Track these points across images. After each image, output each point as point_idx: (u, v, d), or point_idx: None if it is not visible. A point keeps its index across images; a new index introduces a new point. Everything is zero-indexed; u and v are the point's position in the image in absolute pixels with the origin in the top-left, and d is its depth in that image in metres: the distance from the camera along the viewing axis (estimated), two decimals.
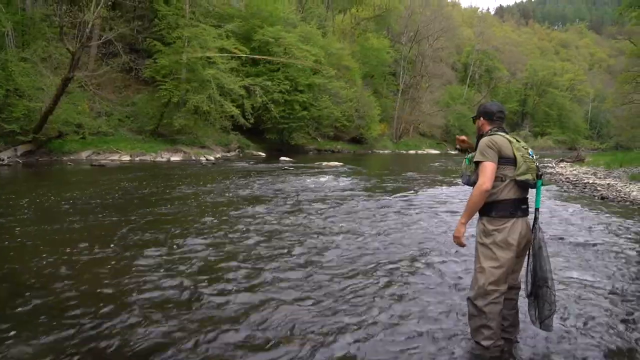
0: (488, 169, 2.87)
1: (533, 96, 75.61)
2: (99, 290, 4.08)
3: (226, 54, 24.94)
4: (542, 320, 2.97)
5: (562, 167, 21.32)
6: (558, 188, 13.42)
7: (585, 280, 4.67)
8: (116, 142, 21.25)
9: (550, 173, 18.33)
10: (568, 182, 15.00)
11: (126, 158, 20.10)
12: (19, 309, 3.64)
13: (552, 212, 8.89)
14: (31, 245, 5.58)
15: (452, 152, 45.90)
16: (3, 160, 15.46)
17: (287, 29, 31.89)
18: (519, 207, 2.94)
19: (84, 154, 19.34)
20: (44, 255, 5.09)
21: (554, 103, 73.32)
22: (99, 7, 18.50)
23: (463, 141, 3.46)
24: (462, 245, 3.01)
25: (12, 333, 3.22)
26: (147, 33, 25.36)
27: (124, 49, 23.65)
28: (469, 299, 3.00)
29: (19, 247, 5.48)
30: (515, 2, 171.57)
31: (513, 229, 2.88)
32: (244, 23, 29.48)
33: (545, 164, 21.53)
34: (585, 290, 4.39)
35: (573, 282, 4.57)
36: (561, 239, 6.49)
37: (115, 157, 19.94)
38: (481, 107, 3.25)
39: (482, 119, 3.17)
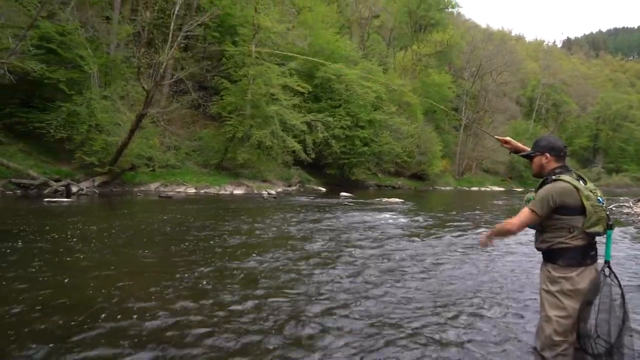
0: (526, 217, 2.77)
1: (606, 131, 71.80)
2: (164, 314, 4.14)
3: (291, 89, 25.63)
4: None
5: None
6: (637, 230, 12.40)
7: None
8: (183, 174, 22.17)
9: (627, 213, 17.05)
10: None
11: (192, 190, 20.86)
12: (93, 332, 3.73)
13: (629, 257, 8.16)
14: (104, 270, 5.79)
15: (518, 189, 44.11)
16: (82, 189, 16.49)
17: (349, 66, 32.48)
18: (587, 254, 2.70)
19: (153, 186, 20.28)
20: (116, 281, 5.26)
21: (630, 138, 69.05)
22: (172, 49, 19.75)
23: (506, 142, 3.32)
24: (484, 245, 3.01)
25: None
26: (215, 72, 26.67)
27: (194, 86, 25.00)
28: (535, 349, 2.77)
29: (92, 271, 5.70)
30: (584, 34, 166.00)
31: (582, 277, 2.65)
32: (307, 61, 30.40)
33: (621, 204, 20.07)
34: None
35: None
36: None
37: (182, 189, 20.75)
38: (542, 141, 2.96)
39: (547, 155, 2.89)
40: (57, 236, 8.04)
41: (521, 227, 2.78)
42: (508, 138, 3.36)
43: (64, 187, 15.96)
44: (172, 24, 20.02)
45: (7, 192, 14.84)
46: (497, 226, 2.94)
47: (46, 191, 15.54)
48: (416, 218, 13.86)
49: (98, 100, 18.60)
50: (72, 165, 18.29)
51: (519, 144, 3.29)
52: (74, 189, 16.14)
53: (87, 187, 16.96)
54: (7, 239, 7.45)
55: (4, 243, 7.16)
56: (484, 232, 3.01)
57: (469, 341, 3.88)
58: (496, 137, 3.49)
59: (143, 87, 18.60)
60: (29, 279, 5.24)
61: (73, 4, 17.75)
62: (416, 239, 9.56)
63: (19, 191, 15.39)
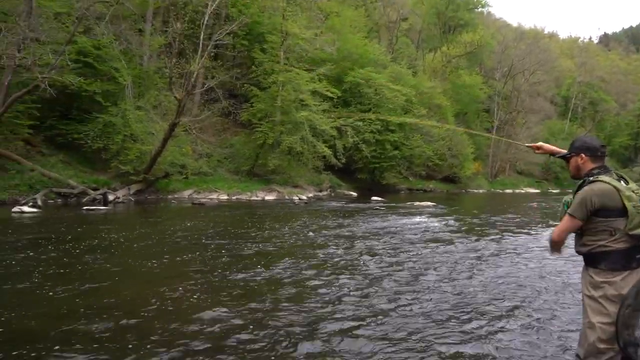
0: (567, 224, 2.68)
1: None
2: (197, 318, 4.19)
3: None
4: None
5: None
6: None
7: None
8: (215, 181, 22.49)
9: None
10: None
11: (224, 197, 21.14)
12: (129, 335, 3.82)
13: None
14: (140, 275, 5.92)
15: (554, 191, 42.89)
16: (119, 197, 16.97)
17: (378, 69, 32.35)
18: (632, 257, 2.56)
19: (186, 193, 20.66)
20: (151, 286, 5.37)
21: None
22: (202, 58, 20.11)
23: (539, 148, 3.22)
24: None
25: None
26: (245, 79, 27.01)
27: (224, 94, 25.39)
28: (577, 356, 2.65)
29: (128, 276, 5.84)
30: (623, 28, 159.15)
31: (626, 282, 2.52)
32: (335, 66, 30.43)
33: None
34: None
35: None
36: None
37: (214, 196, 21.05)
38: (578, 142, 2.85)
39: (583, 155, 2.77)
40: (95, 242, 8.28)
41: (563, 235, 2.69)
42: (540, 143, 3.25)
43: (101, 196, 16.46)
44: (202, 33, 20.40)
45: (48, 201, 15.39)
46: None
47: (85, 199, 16.05)
48: (449, 222, 13.64)
49: (132, 110, 19.13)
50: (109, 174, 18.84)
51: (553, 147, 3.17)
52: (111, 197, 16.61)
53: (123, 195, 17.42)
54: (49, 245, 7.72)
55: (46, 248, 7.42)
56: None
57: (512, 348, 3.78)
58: (527, 145, 3.39)
59: (175, 97, 19.01)
60: (69, 282, 5.41)
61: (107, 18, 18.30)
62: (449, 242, 9.41)
63: (59, 200, 15.94)
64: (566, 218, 2.65)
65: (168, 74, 20.61)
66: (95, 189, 17.01)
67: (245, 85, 26.30)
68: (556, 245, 2.74)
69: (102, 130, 18.19)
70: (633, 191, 2.55)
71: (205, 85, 23.44)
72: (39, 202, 14.45)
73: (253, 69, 25.99)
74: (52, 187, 16.03)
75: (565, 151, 3.00)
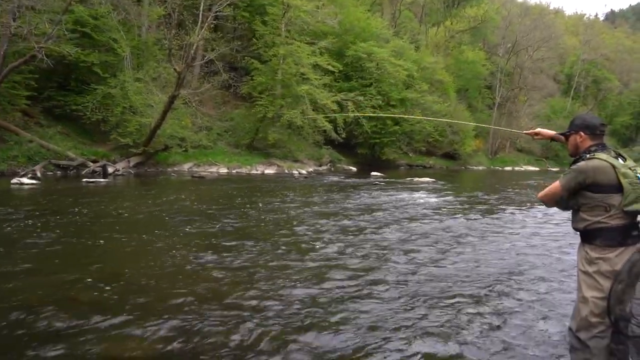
0: (555, 189, 2.72)
1: None
2: (198, 291, 4.22)
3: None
4: None
5: None
6: None
7: None
8: (215, 155, 22.45)
9: None
10: None
11: (224, 170, 21.13)
12: (128, 306, 3.85)
13: None
14: (139, 247, 5.94)
15: (553, 169, 42.91)
16: (118, 170, 16.92)
17: (380, 44, 31.93)
18: (628, 234, 2.56)
19: (186, 166, 20.63)
20: (150, 257, 5.40)
21: None
22: (202, 30, 19.79)
23: (537, 134, 3.21)
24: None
25: (123, 326, 3.39)
26: (246, 52, 26.68)
27: (224, 67, 25.08)
28: (570, 329, 2.69)
29: (129, 249, 5.86)
30: (630, 5, 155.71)
31: (621, 258, 2.52)
32: (337, 39, 30.00)
33: None
34: None
35: None
36: None
37: (214, 169, 21.04)
38: (578, 119, 2.84)
39: (582, 133, 2.75)
40: (95, 214, 8.29)
41: (548, 197, 2.76)
42: (538, 129, 3.23)
43: (100, 168, 16.42)
44: (202, 4, 20.06)
45: (47, 173, 15.36)
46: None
47: (84, 172, 16.04)
48: (447, 198, 13.69)
49: (131, 82, 18.92)
50: (108, 146, 18.77)
51: (551, 132, 3.14)
52: (110, 169, 16.58)
53: (122, 168, 17.38)
54: (49, 216, 7.74)
55: (46, 219, 7.43)
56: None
57: (503, 323, 3.82)
58: (524, 132, 3.35)
59: (174, 69, 18.79)
60: (69, 252, 5.43)
61: None
62: (446, 218, 9.45)
63: (58, 172, 15.92)
64: (554, 183, 2.70)
65: (167, 46, 20.38)
66: (94, 161, 16.96)
67: (245, 57, 26.00)
68: (543, 204, 2.86)
69: (100, 102, 18.03)
70: (630, 168, 2.55)
71: (205, 58, 23.14)
72: (38, 174, 14.42)
73: (254, 41, 25.65)
74: (51, 159, 15.98)
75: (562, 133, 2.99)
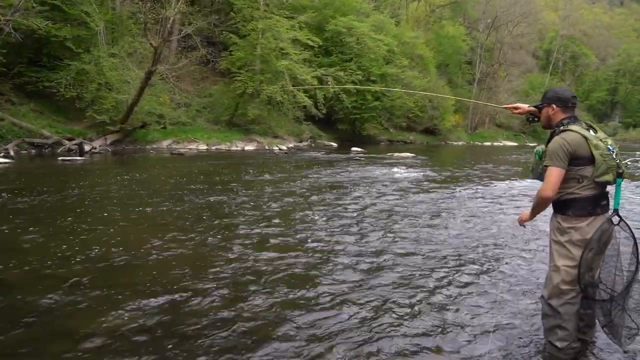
0: (553, 175, 2.60)
1: (625, 84, 69.34)
2: (175, 270, 4.24)
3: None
4: (613, 331, 2.71)
5: None
6: None
7: None
8: (194, 131, 22.18)
9: None
10: None
11: (203, 147, 20.93)
12: (101, 283, 3.85)
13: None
14: (115, 226, 5.90)
15: (531, 144, 43.56)
16: (95, 148, 16.62)
17: (360, 18, 31.59)
18: (598, 204, 2.65)
19: (165, 143, 20.36)
20: (125, 235, 5.38)
21: None
22: (179, 3, 19.29)
23: (516, 108, 3.18)
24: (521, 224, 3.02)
25: (103, 304, 3.39)
26: (224, 26, 26.14)
27: (202, 42, 24.56)
28: (542, 297, 2.80)
29: (105, 227, 5.82)
30: None
31: (591, 227, 2.61)
32: (317, 14, 29.54)
33: (637, 158, 19.72)
34: None
35: None
36: None
37: (193, 146, 20.82)
38: (550, 92, 2.87)
39: (554, 106, 2.79)
40: (72, 192, 8.18)
41: (556, 188, 2.62)
42: (517, 104, 3.22)
43: (77, 146, 16.10)
44: None
45: (21, 152, 15.01)
46: (533, 206, 2.81)
47: (59, 150, 15.71)
48: (427, 172, 13.84)
49: (106, 58, 18.43)
50: (84, 124, 18.36)
51: (531, 107, 3.11)
52: (87, 147, 16.27)
53: (99, 146, 17.07)
54: (24, 196, 7.59)
55: (21, 199, 7.30)
56: (524, 213, 2.93)
57: (477, 293, 3.93)
58: (503, 106, 3.34)
59: (150, 44, 18.34)
60: (46, 233, 5.37)
61: None
62: (425, 192, 9.57)
63: (33, 150, 15.57)
64: (552, 170, 2.62)
65: (143, 20, 19.82)
66: (70, 139, 16.62)
67: (223, 32, 25.50)
68: (546, 204, 2.71)
69: (74, 78, 17.51)
70: (601, 139, 2.61)
71: (182, 32, 22.63)
72: (12, 152, 14.09)
73: (232, 15, 25.06)
74: (24, 137, 15.59)
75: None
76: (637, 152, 23.90)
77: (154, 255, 4.60)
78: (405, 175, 12.80)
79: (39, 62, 17.92)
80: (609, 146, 2.60)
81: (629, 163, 17.74)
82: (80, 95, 17.58)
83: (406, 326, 3.18)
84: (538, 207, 2.74)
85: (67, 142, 16.24)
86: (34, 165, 12.70)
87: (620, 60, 68.82)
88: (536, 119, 3.05)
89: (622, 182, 2.63)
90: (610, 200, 2.69)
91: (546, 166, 2.65)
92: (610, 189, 2.67)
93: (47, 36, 16.42)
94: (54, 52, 17.92)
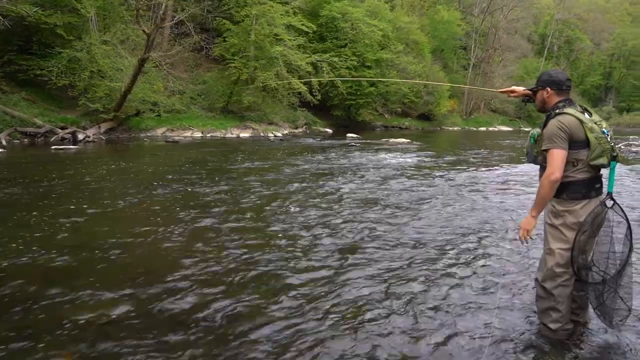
0: (558, 156, 2.56)
1: (620, 68, 69.43)
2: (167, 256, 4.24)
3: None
4: (604, 313, 2.77)
5: None
6: None
7: None
8: (189, 119, 22.05)
9: (636, 152, 16.91)
10: None
11: (198, 135, 20.83)
12: (98, 267, 3.86)
13: (635, 193, 8.09)
14: (108, 214, 5.89)
15: (526, 129, 43.65)
16: (89, 137, 16.47)
17: (354, 3, 31.35)
18: (592, 187, 2.66)
19: (159, 131, 20.25)
20: (119, 224, 5.37)
21: None
22: None
23: (512, 92, 3.11)
24: (526, 239, 2.75)
25: (89, 289, 3.40)
26: (217, 12, 25.86)
27: (195, 28, 24.31)
28: (536, 280, 2.82)
29: (102, 213, 5.80)
30: None
31: (585, 210, 2.63)
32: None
33: (630, 142, 19.81)
34: None
35: None
36: None
37: (188, 133, 20.72)
38: (544, 75, 2.84)
39: (549, 89, 2.77)
40: (65, 181, 8.14)
41: (562, 169, 2.57)
42: (513, 87, 3.17)
43: (70, 135, 15.98)
44: None
45: (13, 142, 14.89)
46: (537, 195, 2.68)
47: (53, 139, 15.59)
48: (422, 158, 13.85)
49: (98, 45, 18.20)
50: (77, 112, 18.21)
51: (526, 90, 3.07)
52: (81, 136, 16.15)
53: (93, 134, 16.93)
54: (17, 184, 7.55)
55: (14, 187, 7.26)
56: (525, 221, 2.74)
57: (472, 275, 3.97)
58: (499, 90, 3.31)
59: (143, 31, 18.13)
60: (39, 220, 5.35)
61: None
62: (421, 177, 9.59)
63: (25, 140, 15.43)
64: (555, 153, 2.58)
65: (134, 6, 19.47)
66: (63, 128, 16.48)
67: (217, 18, 25.24)
68: (556, 185, 2.60)
69: (66, 66, 17.30)
70: (595, 122, 2.60)
71: (175, 19, 22.34)
72: (4, 142, 13.97)
73: (225, 1, 24.80)
74: (17, 127, 15.45)
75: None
76: (631, 137, 24.01)
77: (141, 244, 4.61)
78: (401, 161, 12.81)
79: (30, 50, 17.69)
80: (603, 129, 2.61)
81: (622, 147, 17.84)
82: (72, 84, 17.39)
83: (417, 303, 3.21)
84: (546, 195, 2.64)
85: (60, 130, 16.10)
86: (27, 155, 12.60)
87: (614, 45, 68.77)
88: (531, 100, 3.04)
89: (616, 166, 2.64)
90: (603, 184, 2.71)
91: (546, 149, 2.62)
92: (604, 172, 2.68)
93: (37, 23, 16.20)
94: (45, 39, 17.68)
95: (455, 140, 26.48)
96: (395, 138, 21.82)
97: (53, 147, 14.00)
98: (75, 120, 17.73)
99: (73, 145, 15.01)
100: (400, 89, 33.50)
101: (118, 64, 18.72)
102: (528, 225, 2.72)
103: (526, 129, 43.98)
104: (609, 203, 2.65)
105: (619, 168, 2.75)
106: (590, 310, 2.95)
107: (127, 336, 2.77)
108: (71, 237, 4.73)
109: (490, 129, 45.14)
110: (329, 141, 20.44)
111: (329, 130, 28.24)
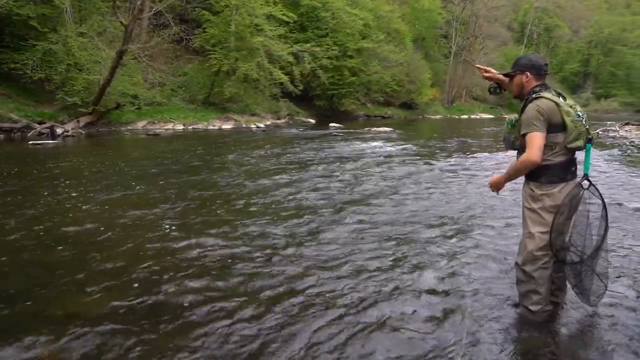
0: (537, 139, 2.60)
1: (597, 55, 70.36)
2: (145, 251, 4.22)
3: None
4: (582, 291, 2.87)
5: (626, 130, 19.88)
6: (621, 152, 12.55)
7: None
8: (170, 111, 21.77)
9: (613, 137, 17.25)
10: (632, 146, 14.13)
11: (179, 127, 20.61)
12: (75, 265, 3.82)
13: (612, 176, 8.30)
14: (88, 208, 5.82)
15: (506, 117, 44.16)
16: (68, 131, 16.15)
17: None
18: (568, 170, 2.72)
19: (140, 124, 19.96)
20: (99, 217, 5.32)
21: (621, 62, 66.49)
22: None
23: (487, 72, 3.06)
24: (495, 191, 3.00)
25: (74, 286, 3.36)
26: (196, 3, 25.49)
27: (174, 19, 23.91)
28: (516, 264, 2.87)
29: (83, 207, 5.73)
30: None
31: (563, 192, 2.68)
32: None
33: (608, 128, 20.21)
34: None
35: (632, 251, 4.23)
36: (620, 204, 6.03)
37: (169, 126, 20.47)
38: (523, 59, 2.84)
39: (528, 74, 2.78)
40: (44, 175, 8.01)
41: (541, 151, 2.61)
42: (489, 68, 3.13)
43: (48, 130, 15.67)
44: None
45: None
46: (510, 169, 2.77)
47: (30, 134, 15.27)
48: (404, 146, 13.94)
49: (74, 37, 17.78)
50: (55, 106, 17.85)
51: (500, 75, 3.02)
52: (59, 130, 15.84)
53: (72, 129, 16.61)
54: None
55: None
56: (495, 177, 2.91)
57: (454, 259, 4.02)
58: (477, 66, 3.30)
59: (121, 22, 17.77)
60: (20, 215, 5.26)
61: None
62: (402, 165, 9.66)
63: (1, 135, 15.09)
64: (535, 136, 2.61)
65: None
66: (41, 123, 16.14)
67: (196, 9, 24.88)
68: (533, 167, 2.65)
69: (42, 59, 16.89)
70: (570, 106, 2.65)
71: (153, 9, 21.95)
72: None
73: None
74: None
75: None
76: (608, 122, 24.47)
77: (123, 238, 4.57)
78: (383, 149, 12.87)
79: (2, 43, 17.22)
80: (578, 112, 2.65)
81: (600, 132, 18.19)
82: (49, 77, 17.01)
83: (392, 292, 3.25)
84: (519, 172, 2.74)
85: (37, 125, 15.78)
86: (2, 150, 12.34)
87: (592, 32, 69.70)
88: (498, 91, 3.03)
89: (592, 148, 2.70)
90: (579, 166, 2.76)
91: (526, 133, 2.65)
92: (579, 155, 2.73)
93: (8, 14, 15.76)
94: (18, 31, 17.21)
95: (437, 128, 26.69)
96: (378, 127, 21.90)
97: (30, 142, 13.71)
98: (53, 114, 17.38)
99: (51, 140, 14.72)
100: (382, 78, 33.51)
101: (96, 57, 18.33)
102: (497, 182, 2.92)
103: (507, 117, 44.53)
104: (585, 184, 2.71)
105: (596, 152, 2.79)
106: (569, 290, 3.01)
107: (109, 332, 2.76)
108: (49, 234, 4.66)
109: (472, 116, 45.55)
110: (311, 131, 20.42)
111: (312, 121, 28.18)
